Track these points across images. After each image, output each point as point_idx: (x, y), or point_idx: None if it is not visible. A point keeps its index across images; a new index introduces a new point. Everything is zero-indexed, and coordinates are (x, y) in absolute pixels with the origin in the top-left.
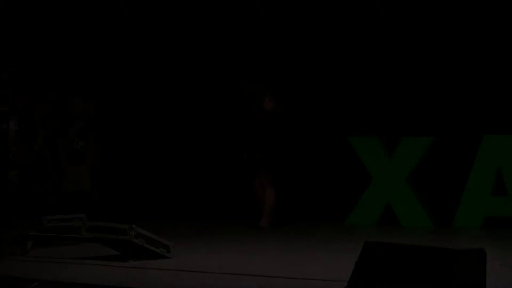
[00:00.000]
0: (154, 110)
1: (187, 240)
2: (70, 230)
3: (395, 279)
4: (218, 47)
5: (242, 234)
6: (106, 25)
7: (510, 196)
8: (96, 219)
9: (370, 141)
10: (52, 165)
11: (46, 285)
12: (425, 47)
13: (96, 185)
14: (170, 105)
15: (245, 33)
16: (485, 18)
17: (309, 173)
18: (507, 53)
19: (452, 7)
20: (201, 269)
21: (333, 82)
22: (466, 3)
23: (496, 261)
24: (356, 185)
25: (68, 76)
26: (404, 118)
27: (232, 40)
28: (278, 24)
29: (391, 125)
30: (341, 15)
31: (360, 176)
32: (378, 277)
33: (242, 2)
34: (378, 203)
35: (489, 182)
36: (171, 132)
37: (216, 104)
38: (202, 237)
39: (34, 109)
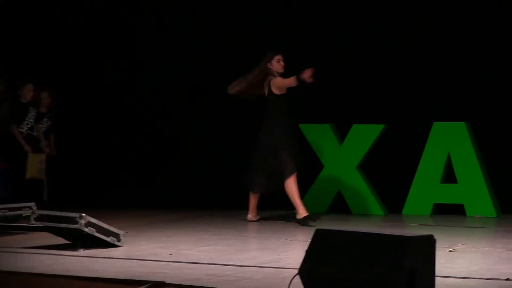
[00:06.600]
0: (109, 94)
1: (139, 229)
2: (19, 219)
3: (346, 266)
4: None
5: (196, 224)
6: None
7: (459, 183)
8: (46, 209)
9: (320, 128)
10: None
11: None
12: (376, 35)
13: (47, 174)
14: (125, 88)
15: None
16: (433, 9)
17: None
18: (455, 41)
19: None
20: (151, 257)
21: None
22: None
23: (445, 247)
24: (307, 172)
25: (21, 64)
26: (355, 105)
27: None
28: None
29: (341, 112)
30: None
31: (311, 163)
32: (329, 264)
33: None
34: (329, 191)
35: (439, 169)
36: (126, 116)
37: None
38: (154, 227)
39: None
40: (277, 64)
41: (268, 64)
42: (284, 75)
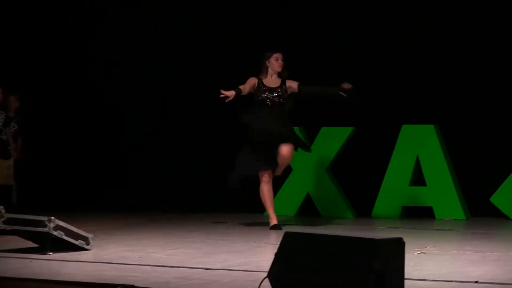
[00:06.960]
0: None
1: (108, 233)
2: None
3: (315, 269)
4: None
5: (166, 227)
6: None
7: (428, 186)
8: (15, 212)
9: None
10: None
11: None
12: (346, 38)
13: (16, 179)
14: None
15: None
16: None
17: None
18: (423, 45)
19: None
20: (121, 261)
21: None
22: None
23: (414, 250)
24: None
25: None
26: (324, 108)
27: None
28: None
29: (311, 115)
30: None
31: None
32: (298, 267)
33: None
34: (298, 194)
35: (408, 172)
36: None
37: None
38: (122, 230)
39: None
40: (275, 62)
41: (266, 62)
42: (283, 74)
